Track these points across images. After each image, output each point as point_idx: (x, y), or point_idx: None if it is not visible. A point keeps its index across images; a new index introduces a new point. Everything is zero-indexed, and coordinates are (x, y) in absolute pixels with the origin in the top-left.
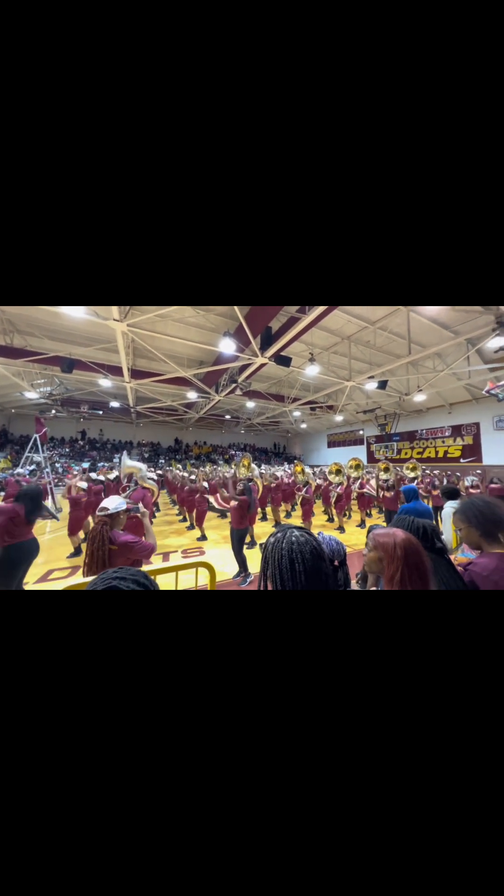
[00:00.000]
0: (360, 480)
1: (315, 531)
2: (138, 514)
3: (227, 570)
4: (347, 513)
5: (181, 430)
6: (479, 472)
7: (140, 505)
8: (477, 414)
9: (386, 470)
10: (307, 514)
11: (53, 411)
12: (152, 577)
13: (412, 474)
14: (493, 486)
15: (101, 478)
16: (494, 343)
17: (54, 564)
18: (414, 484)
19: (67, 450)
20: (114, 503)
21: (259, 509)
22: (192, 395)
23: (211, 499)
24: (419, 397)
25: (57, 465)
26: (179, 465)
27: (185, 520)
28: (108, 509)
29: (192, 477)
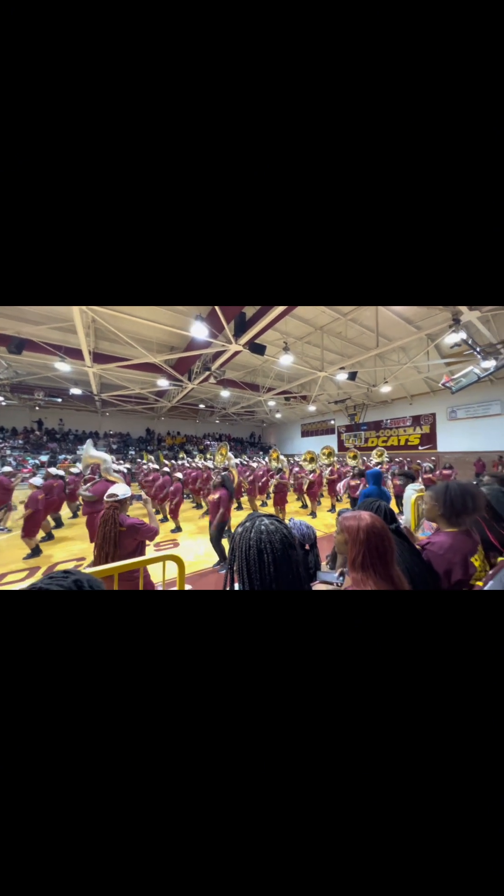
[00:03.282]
0: (330, 468)
1: (288, 517)
2: (141, 502)
3: (199, 562)
4: (319, 499)
5: (152, 420)
6: (433, 458)
7: (143, 493)
8: (434, 405)
9: (354, 458)
10: (281, 501)
11: (2, 398)
12: (100, 580)
13: (377, 459)
14: (445, 471)
15: (61, 472)
16: (450, 339)
17: (8, 567)
18: (379, 468)
19: (21, 441)
20: (122, 490)
21: (235, 500)
22: (163, 383)
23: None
24: (385, 389)
25: (9, 458)
26: (151, 457)
27: (158, 512)
28: (117, 495)
29: (165, 468)
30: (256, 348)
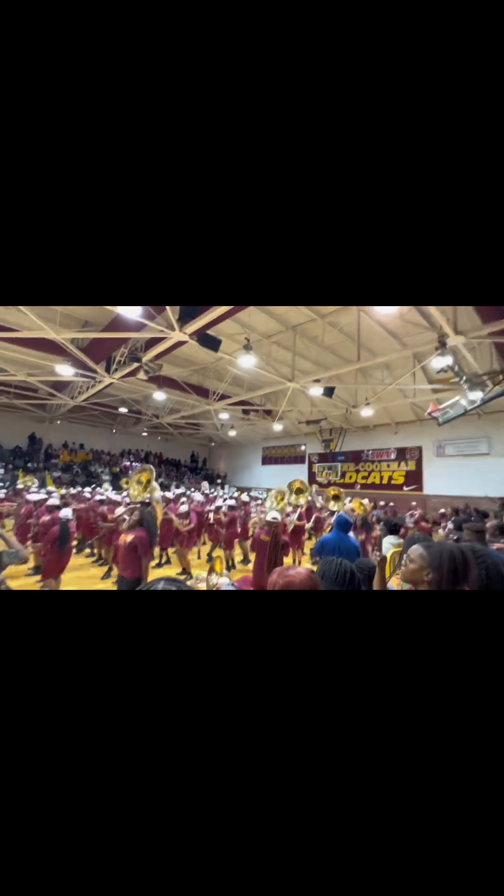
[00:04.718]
0: (300, 510)
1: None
2: None
3: None
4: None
5: (42, 423)
6: (413, 503)
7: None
8: (420, 437)
9: (336, 498)
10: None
11: None
12: None
13: (335, 507)
14: (423, 524)
15: None
16: (437, 363)
17: None
18: (345, 513)
19: None
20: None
21: (159, 550)
22: (65, 371)
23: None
24: (366, 412)
25: None
26: (33, 479)
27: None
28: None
29: (50, 499)
30: (208, 341)
